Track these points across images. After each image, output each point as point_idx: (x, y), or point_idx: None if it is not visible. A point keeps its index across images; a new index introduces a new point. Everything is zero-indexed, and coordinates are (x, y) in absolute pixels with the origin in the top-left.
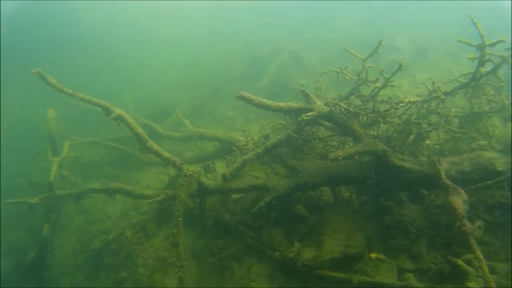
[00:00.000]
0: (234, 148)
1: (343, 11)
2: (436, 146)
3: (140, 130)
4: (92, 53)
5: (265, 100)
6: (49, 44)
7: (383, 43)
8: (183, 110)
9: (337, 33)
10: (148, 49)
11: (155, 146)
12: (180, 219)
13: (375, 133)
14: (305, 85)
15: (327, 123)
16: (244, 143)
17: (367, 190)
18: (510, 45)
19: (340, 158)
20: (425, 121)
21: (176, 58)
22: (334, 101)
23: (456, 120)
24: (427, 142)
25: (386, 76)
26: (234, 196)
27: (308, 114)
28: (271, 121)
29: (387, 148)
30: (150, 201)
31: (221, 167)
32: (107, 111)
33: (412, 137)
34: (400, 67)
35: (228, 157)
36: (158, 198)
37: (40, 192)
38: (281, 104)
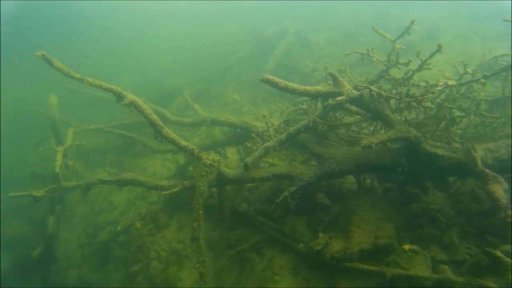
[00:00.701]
0: (254, 134)
1: None
2: (468, 132)
3: (155, 116)
4: (85, 35)
5: (291, 84)
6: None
7: (415, 22)
8: (188, 94)
9: (340, 14)
10: (145, 32)
11: (171, 134)
12: (200, 211)
13: (403, 119)
14: (313, 68)
15: (353, 108)
16: (263, 128)
17: (388, 177)
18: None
19: (373, 145)
20: (456, 105)
21: (175, 41)
22: (364, 85)
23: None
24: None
25: (410, 60)
26: (249, 184)
27: (338, 98)
28: (280, 104)
29: (419, 135)
30: (166, 193)
31: (232, 154)
32: (119, 97)
33: (444, 122)
34: (439, 49)
35: (248, 144)
36: (175, 190)
37: (43, 183)
38: (308, 88)
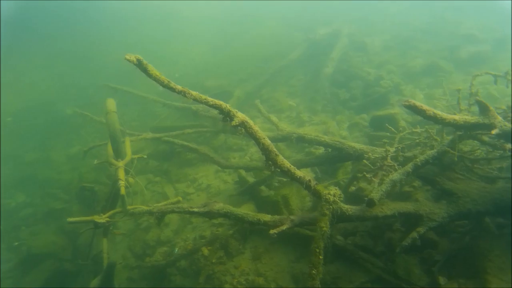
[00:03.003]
0: (365, 161)
1: None
2: None
3: (268, 142)
4: (108, 31)
5: (439, 112)
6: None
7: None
8: (238, 97)
9: (386, 15)
10: (171, 28)
11: (287, 163)
12: (321, 257)
13: None
14: (376, 75)
15: (485, 138)
16: (379, 155)
17: None
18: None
19: None
20: None
21: (205, 39)
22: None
23: None
24: None
25: None
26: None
27: (493, 131)
28: (339, 114)
29: None
30: (274, 231)
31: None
32: (227, 116)
33: None
34: None
35: (359, 175)
36: (283, 228)
37: (93, 200)
38: (456, 117)
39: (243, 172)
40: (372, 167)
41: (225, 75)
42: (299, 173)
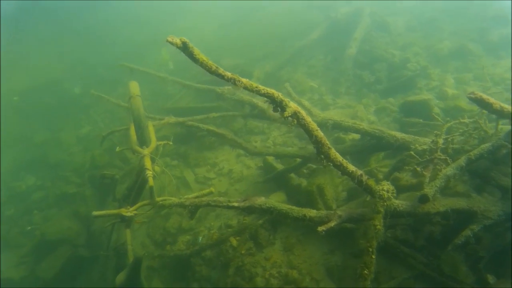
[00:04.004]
0: (412, 153)
1: None
2: None
3: (321, 134)
4: (117, 6)
5: (507, 106)
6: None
7: None
8: (257, 78)
9: None
10: (185, 4)
11: (339, 157)
12: (373, 256)
13: None
14: (402, 57)
15: None
16: (427, 147)
17: None
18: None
19: None
20: None
21: (220, 15)
22: None
23: None
24: None
25: None
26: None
27: None
28: (364, 97)
29: None
30: (322, 228)
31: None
32: (279, 106)
33: None
34: None
35: (407, 167)
36: (331, 225)
37: (114, 187)
38: None
39: (269, 158)
40: (420, 159)
41: (240, 54)
42: (351, 167)
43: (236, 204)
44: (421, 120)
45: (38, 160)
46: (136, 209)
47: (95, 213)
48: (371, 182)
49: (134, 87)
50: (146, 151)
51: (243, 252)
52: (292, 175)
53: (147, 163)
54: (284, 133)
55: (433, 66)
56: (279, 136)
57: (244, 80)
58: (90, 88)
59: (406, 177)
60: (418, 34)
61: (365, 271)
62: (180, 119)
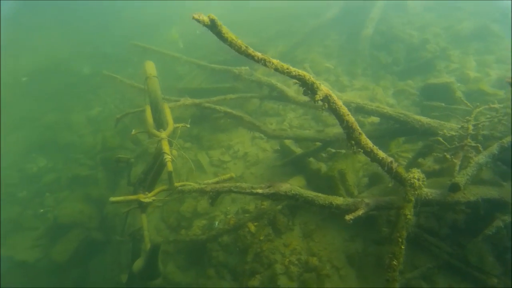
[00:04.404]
0: (440, 138)
1: None
2: None
3: (352, 118)
4: None
5: None
6: None
7: None
8: (272, 57)
9: None
10: None
11: (370, 143)
12: (403, 247)
13: None
14: (420, 38)
15: None
16: (456, 133)
17: None
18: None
19: None
20: None
21: None
22: None
23: None
24: None
25: None
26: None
27: None
28: (381, 79)
29: None
30: (350, 217)
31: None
32: (310, 89)
33: None
34: None
35: (435, 154)
36: (359, 213)
37: (129, 171)
38: None
39: (287, 141)
40: (448, 146)
41: (253, 33)
42: (382, 154)
43: (260, 191)
44: (442, 104)
45: (48, 141)
46: (154, 195)
47: (112, 199)
48: (401, 170)
49: (151, 67)
50: (163, 135)
51: (261, 238)
52: (311, 159)
53: (165, 147)
54: (300, 115)
55: (453, 47)
56: (295, 118)
57: (274, 61)
58: (99, 69)
59: (428, 163)
60: (436, 14)
61: (394, 262)
62: (197, 101)
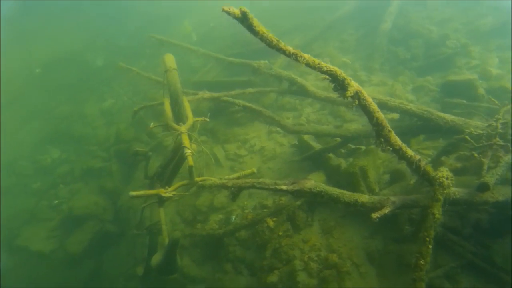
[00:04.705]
0: (467, 137)
1: None
2: None
3: (382, 116)
4: None
5: None
6: None
7: None
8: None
9: None
10: None
11: (398, 141)
12: (430, 246)
13: None
14: (440, 33)
15: None
16: (482, 130)
17: None
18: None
19: None
20: None
21: None
22: None
23: None
24: None
25: None
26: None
27: None
28: (399, 75)
29: None
30: (376, 215)
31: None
32: (341, 85)
33: None
34: None
35: (461, 152)
36: (385, 211)
37: (147, 164)
38: None
39: (305, 136)
40: (475, 144)
41: (267, 27)
42: (410, 152)
43: (284, 187)
44: (464, 101)
45: (62, 133)
46: (174, 190)
47: (132, 193)
48: (429, 168)
49: (170, 60)
50: (183, 128)
51: (280, 233)
52: (331, 155)
53: (185, 141)
54: (317, 110)
55: (474, 43)
56: (312, 113)
57: (306, 55)
58: (112, 61)
59: (450, 161)
60: (456, 9)
61: (421, 261)
62: (215, 94)
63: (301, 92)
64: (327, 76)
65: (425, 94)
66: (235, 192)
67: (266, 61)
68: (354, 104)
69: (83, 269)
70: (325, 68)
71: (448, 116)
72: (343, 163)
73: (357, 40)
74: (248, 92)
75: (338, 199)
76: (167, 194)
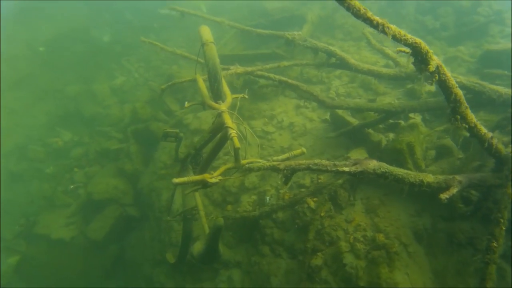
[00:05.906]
0: None
1: None
2: None
3: (460, 91)
4: None
5: None
6: None
7: None
8: (312, 23)
9: None
10: None
11: (474, 118)
12: (503, 228)
13: None
14: (472, 2)
15: None
16: None
17: None
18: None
19: None
20: None
21: None
22: None
23: None
24: None
25: None
26: None
27: None
28: (430, 45)
29: None
30: (445, 195)
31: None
32: (423, 59)
33: None
34: None
35: None
36: (453, 191)
37: (178, 145)
38: None
39: (339, 111)
40: None
41: None
42: (483, 129)
43: (346, 169)
44: (506, 72)
45: (72, 114)
46: (220, 174)
47: (176, 180)
48: (501, 147)
49: (206, 32)
50: (223, 107)
51: (322, 214)
52: (371, 130)
53: (228, 120)
54: (346, 83)
55: (508, 9)
56: (341, 86)
57: (392, 27)
58: (119, 36)
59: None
60: None
61: (494, 243)
62: (249, 69)
63: (341, 65)
64: (404, 49)
65: (458, 65)
66: (288, 175)
67: (300, 32)
68: (434, 80)
69: (106, 255)
70: (410, 40)
71: (501, 89)
72: (383, 139)
73: (380, 8)
74: (283, 65)
75: (403, 179)
76: (213, 180)
